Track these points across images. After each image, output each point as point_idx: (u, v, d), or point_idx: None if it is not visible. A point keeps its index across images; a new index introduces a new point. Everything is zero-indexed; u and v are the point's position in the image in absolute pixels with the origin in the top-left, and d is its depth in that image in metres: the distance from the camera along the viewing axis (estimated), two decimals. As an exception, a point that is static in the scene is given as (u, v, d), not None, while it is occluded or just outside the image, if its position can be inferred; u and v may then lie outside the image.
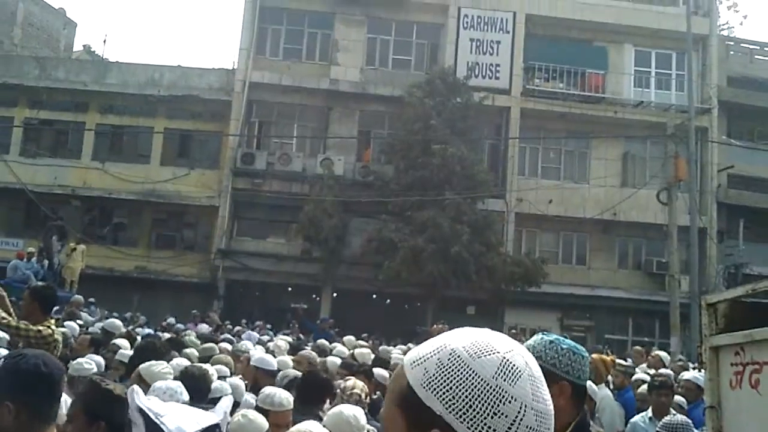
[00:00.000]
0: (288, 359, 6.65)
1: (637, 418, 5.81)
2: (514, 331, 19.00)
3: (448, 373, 0.94)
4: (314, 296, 23.17)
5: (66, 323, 8.85)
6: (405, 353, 7.83)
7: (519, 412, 0.93)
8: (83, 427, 2.65)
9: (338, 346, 9.15)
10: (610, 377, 7.60)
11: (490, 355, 0.95)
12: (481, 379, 0.92)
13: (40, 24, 37.85)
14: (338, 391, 4.74)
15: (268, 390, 4.03)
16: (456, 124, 21.46)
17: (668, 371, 8.28)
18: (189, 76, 25.06)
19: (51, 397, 2.40)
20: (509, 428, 0.92)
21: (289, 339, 10.66)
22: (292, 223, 22.94)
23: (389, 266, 20.10)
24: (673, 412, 5.56)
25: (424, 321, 19.96)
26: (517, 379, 0.94)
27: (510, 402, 0.92)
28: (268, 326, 18.17)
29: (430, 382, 0.94)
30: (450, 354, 0.95)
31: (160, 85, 24.56)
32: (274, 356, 6.73)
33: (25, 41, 35.98)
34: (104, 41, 76.84)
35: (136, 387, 1.16)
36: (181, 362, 5.39)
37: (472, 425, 0.91)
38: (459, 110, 21.85)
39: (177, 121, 24.80)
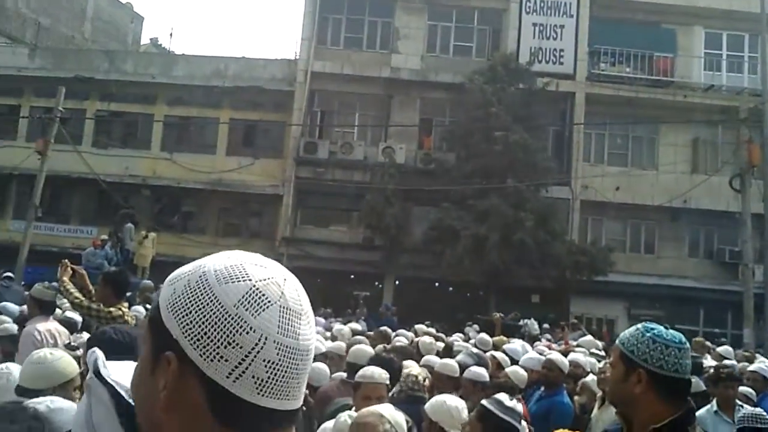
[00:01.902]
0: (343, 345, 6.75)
1: (702, 411, 5.64)
2: (575, 321, 18.77)
3: (192, 296, 0.89)
4: (376, 284, 23.31)
5: (134, 308, 9.13)
6: (464, 340, 7.82)
7: (257, 345, 0.86)
8: None
9: (400, 333, 9.17)
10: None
11: (238, 281, 0.89)
12: (221, 306, 0.87)
13: (109, 18, 39.05)
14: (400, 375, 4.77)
15: (366, 368, 4.13)
16: (518, 111, 21.17)
17: (732, 362, 8.04)
18: (253, 67, 25.45)
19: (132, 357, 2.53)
20: (243, 359, 0.86)
21: (358, 326, 10.78)
22: (354, 212, 23.13)
23: (451, 254, 20.04)
24: (740, 403, 5.38)
25: (486, 310, 19.82)
26: (263, 310, 0.88)
27: (248, 333, 0.86)
28: (329, 311, 18.43)
29: (173, 304, 0.90)
30: (200, 277, 0.90)
31: (225, 76, 25.02)
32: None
33: (95, 36, 37.23)
34: (170, 34, 78.81)
35: (98, 351, 1.09)
36: None
37: (204, 353, 0.86)
38: (521, 96, 21.55)
39: (241, 112, 25.26)
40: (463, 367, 5.71)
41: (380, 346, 6.90)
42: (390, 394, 4.78)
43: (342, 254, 22.93)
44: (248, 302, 0.88)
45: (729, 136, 22.37)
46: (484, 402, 3.06)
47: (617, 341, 2.30)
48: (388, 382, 4.06)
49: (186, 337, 0.87)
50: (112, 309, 5.34)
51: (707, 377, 6.10)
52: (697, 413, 5.60)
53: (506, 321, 12.87)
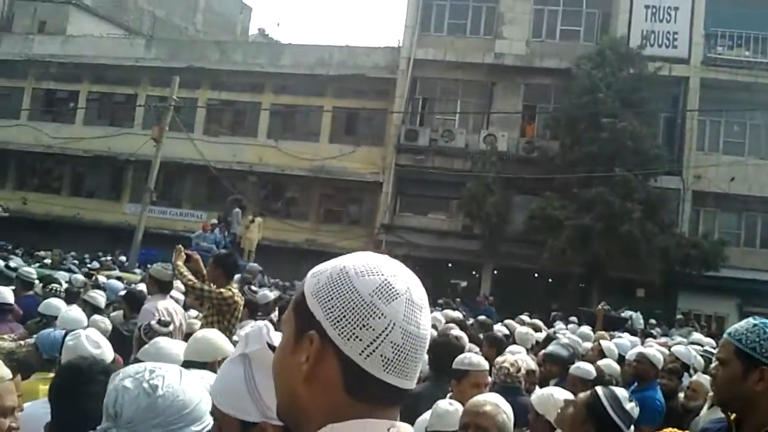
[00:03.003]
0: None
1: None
2: (681, 316, 17.98)
3: (334, 285, 1.04)
4: (474, 273, 23.18)
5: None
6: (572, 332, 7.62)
7: (386, 328, 1.01)
8: None
9: (498, 324, 9.06)
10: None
11: (373, 275, 1.04)
12: (359, 295, 1.02)
13: (219, 10, 40.48)
14: (492, 366, 4.73)
15: (465, 354, 4.14)
16: (627, 97, 20.41)
17: None
18: (356, 55, 25.75)
19: None
20: (375, 340, 1.01)
21: (457, 314, 10.75)
22: (454, 200, 23.04)
23: (553, 244, 19.63)
24: None
25: (588, 302, 19.32)
26: (392, 300, 1.02)
27: (379, 318, 1.01)
28: (440, 301, 18.46)
29: (318, 291, 1.05)
30: (340, 270, 1.05)
31: (329, 64, 25.44)
32: (436, 329, 6.85)
33: (206, 27, 38.70)
34: (277, 24, 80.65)
35: (268, 324, 1.37)
36: None
37: (342, 332, 1.01)
38: (631, 81, 20.76)
39: (344, 100, 25.63)
40: (557, 357, 5.62)
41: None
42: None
43: (440, 242, 22.92)
44: (381, 293, 1.03)
45: None
46: (599, 390, 2.87)
47: (729, 337, 2.20)
48: (487, 368, 4.07)
49: (328, 319, 1.03)
50: (222, 290, 5.59)
51: None
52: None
53: (610, 314, 12.50)
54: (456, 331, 6.15)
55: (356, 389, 1.03)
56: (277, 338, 1.18)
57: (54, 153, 27.78)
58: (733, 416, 2.23)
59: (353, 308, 1.02)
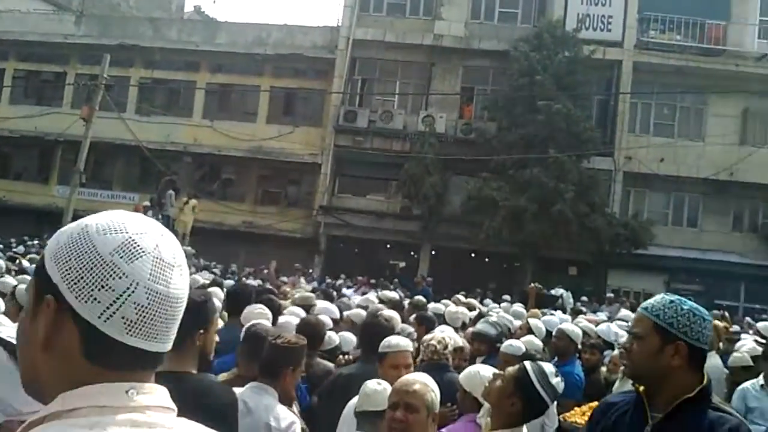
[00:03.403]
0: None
1: (746, 385, 5.56)
2: (611, 295, 18.52)
3: (73, 245, 0.97)
4: (413, 254, 23.33)
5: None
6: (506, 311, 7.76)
7: (128, 288, 0.95)
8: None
9: (432, 305, 9.12)
10: (720, 344, 7.31)
11: (116, 233, 0.98)
12: (98, 254, 0.96)
13: (154, -14, 39.20)
14: (420, 344, 4.77)
15: (389, 337, 4.12)
16: (563, 79, 20.75)
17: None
18: (294, 35, 25.42)
19: None
20: (115, 301, 0.95)
21: (395, 295, 10.80)
22: (393, 181, 23.09)
23: (490, 225, 19.91)
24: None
25: (523, 281, 19.71)
26: (136, 259, 0.96)
27: (120, 278, 0.95)
28: (372, 281, 18.54)
29: (57, 253, 0.98)
30: (81, 229, 0.99)
31: (267, 43, 25.04)
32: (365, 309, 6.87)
33: (140, 3, 37.50)
34: (213, 1, 78.79)
35: None
36: (299, 311, 5.76)
37: (80, 295, 0.95)
38: (567, 64, 21.09)
39: (282, 80, 25.29)
40: (484, 336, 5.69)
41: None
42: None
43: (379, 223, 22.97)
44: (123, 251, 0.97)
45: (781, 107, 21.69)
46: (527, 364, 2.91)
47: (646, 312, 2.25)
48: (412, 349, 4.06)
49: (64, 282, 0.96)
50: None
51: (764, 352, 6.00)
52: (743, 386, 5.57)
53: (542, 292, 12.75)
54: (387, 312, 6.17)
55: (96, 355, 0.96)
56: (8, 331, 1.07)
57: (-22, 133, 26.64)
58: (641, 388, 2.28)
59: (91, 268, 0.95)
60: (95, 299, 0.95)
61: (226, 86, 26.03)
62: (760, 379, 5.47)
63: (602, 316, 11.32)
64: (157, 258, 0.99)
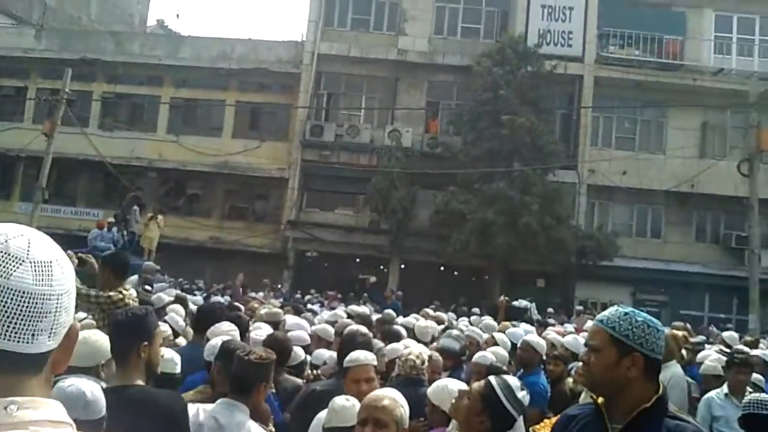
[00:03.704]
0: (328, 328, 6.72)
1: (711, 394, 5.68)
2: (580, 308, 18.75)
3: None
4: (382, 268, 23.33)
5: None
6: (472, 324, 7.81)
7: None
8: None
9: (401, 319, 9.10)
10: (684, 353, 7.44)
11: None
12: None
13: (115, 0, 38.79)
14: (397, 358, 4.79)
15: (353, 352, 4.14)
16: (526, 94, 21.03)
17: (745, 348, 8.02)
18: (259, 49, 25.33)
19: None
20: None
21: (365, 309, 10.77)
22: (360, 195, 23.12)
23: (457, 238, 20.02)
24: (749, 390, 5.40)
25: (492, 294, 19.84)
26: None
27: None
28: (339, 296, 18.49)
29: None
30: None
31: (231, 58, 24.92)
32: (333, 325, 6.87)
33: (101, 17, 37.03)
34: (177, 15, 78.53)
35: None
36: (266, 327, 5.74)
37: None
38: (529, 79, 21.38)
39: (248, 94, 25.18)
40: (449, 350, 5.72)
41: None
42: (390, 378, 4.81)
43: (348, 238, 22.93)
44: None
45: (738, 121, 22.31)
46: (492, 381, 2.93)
47: (602, 325, 2.27)
48: (375, 363, 4.08)
49: None
50: (111, 293, 5.31)
51: (727, 361, 6.11)
52: (708, 395, 5.67)
53: (510, 305, 12.87)
54: (363, 329, 6.17)
55: None
56: None
57: (-65, 149, 25.94)
58: (600, 400, 2.31)
59: None
60: None
61: (191, 101, 25.81)
62: (725, 388, 5.59)
63: (570, 327, 11.45)
64: (3, 252, 0.98)
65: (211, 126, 25.47)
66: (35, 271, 0.98)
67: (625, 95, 23.41)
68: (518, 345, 6.30)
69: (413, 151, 22.66)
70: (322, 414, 3.34)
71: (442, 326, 8.72)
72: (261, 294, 15.30)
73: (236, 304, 9.50)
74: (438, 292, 19.45)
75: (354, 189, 23.39)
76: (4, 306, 0.95)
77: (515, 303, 13.79)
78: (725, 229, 23.44)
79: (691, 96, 22.73)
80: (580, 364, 6.27)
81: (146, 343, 2.95)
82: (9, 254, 0.97)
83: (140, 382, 2.92)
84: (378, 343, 5.71)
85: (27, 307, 0.96)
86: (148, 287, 9.76)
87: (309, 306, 13.36)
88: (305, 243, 23.36)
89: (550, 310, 17.03)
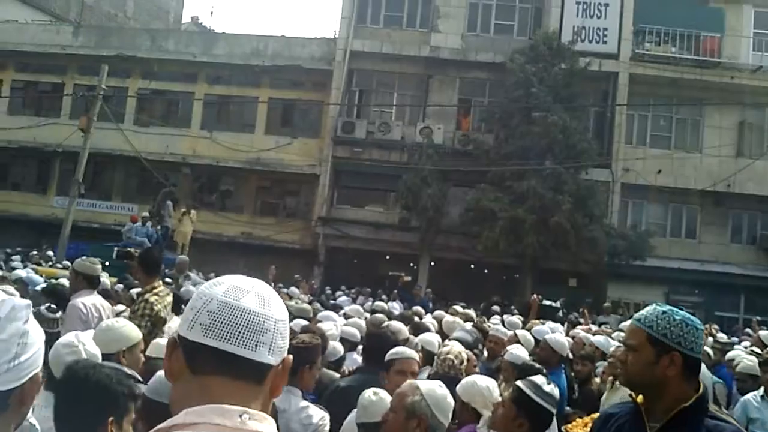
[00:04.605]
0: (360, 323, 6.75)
1: (748, 396, 5.59)
2: (607, 304, 18.53)
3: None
4: (411, 265, 23.31)
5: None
6: (502, 323, 7.79)
7: (205, 303, 1.20)
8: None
9: (429, 316, 9.09)
10: (711, 353, 7.37)
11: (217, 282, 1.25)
12: (197, 291, 1.24)
13: (151, -3, 39.34)
14: (435, 356, 4.79)
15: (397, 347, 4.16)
16: (559, 91, 20.84)
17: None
18: (292, 46, 25.48)
19: None
20: (197, 313, 1.19)
21: (393, 306, 10.78)
22: (391, 192, 23.12)
23: (488, 236, 19.93)
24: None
25: (523, 292, 19.74)
26: (216, 286, 1.23)
27: (201, 298, 1.21)
28: (368, 290, 18.54)
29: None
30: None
31: (265, 55, 25.10)
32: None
33: (137, 14, 37.62)
34: (211, 13, 79.32)
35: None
36: (299, 322, 5.81)
37: (182, 320, 1.23)
38: (563, 76, 21.18)
39: (280, 91, 25.34)
40: (461, 342, 5.69)
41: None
42: (426, 375, 4.81)
43: (378, 234, 22.97)
44: (211, 285, 1.24)
45: (777, 119, 21.83)
46: (519, 384, 3.00)
47: (639, 324, 2.27)
48: (417, 357, 4.11)
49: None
50: (151, 298, 5.38)
51: (761, 362, 6.02)
52: (745, 397, 5.59)
53: (543, 304, 12.76)
54: (395, 324, 6.21)
55: (191, 360, 1.18)
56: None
57: (-24, 144, 26.60)
58: (639, 399, 2.30)
59: (191, 301, 1.23)
60: (186, 317, 1.21)
61: (225, 97, 26.08)
62: (761, 390, 5.51)
63: (606, 327, 11.32)
64: (233, 285, 1.23)
65: (244, 122, 25.70)
66: (258, 298, 1.22)
67: (660, 93, 23.07)
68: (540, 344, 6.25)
69: (444, 148, 22.60)
70: (353, 414, 3.37)
71: (469, 324, 8.70)
72: (293, 289, 15.36)
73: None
74: (468, 290, 19.37)
75: (385, 186, 23.40)
76: (235, 320, 1.18)
77: (547, 302, 13.68)
78: (762, 230, 23.03)
79: (729, 94, 22.34)
80: (606, 363, 6.25)
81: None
82: (239, 287, 1.22)
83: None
84: (414, 339, 5.74)
85: (251, 322, 1.19)
86: (168, 279, 9.88)
87: (335, 301, 13.41)
88: (335, 239, 23.46)
89: (582, 310, 16.84)
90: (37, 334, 1.46)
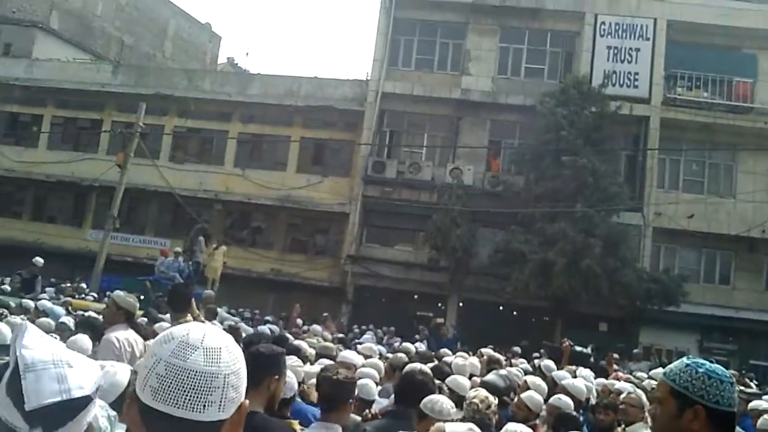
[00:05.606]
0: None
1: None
2: (637, 351, 18.14)
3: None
4: (440, 305, 23.21)
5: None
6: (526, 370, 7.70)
7: (154, 363, 1.22)
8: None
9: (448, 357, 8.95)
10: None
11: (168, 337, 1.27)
12: (149, 349, 1.29)
13: (188, 38, 40.47)
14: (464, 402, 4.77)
15: (432, 396, 4.13)
16: (590, 135, 20.84)
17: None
18: (325, 87, 25.90)
19: None
20: (147, 374, 1.22)
21: (420, 346, 10.73)
22: (420, 232, 23.14)
23: (518, 278, 19.81)
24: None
25: (552, 336, 19.47)
26: (165, 344, 1.24)
27: (151, 357, 1.24)
28: (392, 329, 18.47)
29: None
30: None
31: (298, 95, 25.55)
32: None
33: (175, 54, 38.63)
34: (246, 54, 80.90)
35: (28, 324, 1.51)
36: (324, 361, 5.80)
37: (138, 382, 1.25)
38: (593, 120, 21.21)
39: (312, 131, 25.69)
40: (491, 387, 5.62)
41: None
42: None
43: (406, 274, 22.95)
44: (159, 341, 1.27)
45: (812, 166, 21.51)
46: None
47: (664, 377, 2.29)
48: (457, 418, 4.09)
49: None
50: None
51: None
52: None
53: (574, 349, 12.58)
54: (424, 367, 6.18)
55: (145, 420, 1.22)
56: None
57: (16, 177, 27.23)
58: None
59: (144, 357, 1.30)
60: (140, 375, 1.25)
61: (258, 136, 26.50)
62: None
63: (641, 374, 11.13)
64: (184, 342, 1.24)
65: (276, 161, 26.06)
66: (206, 354, 1.23)
67: (692, 137, 22.97)
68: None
69: (474, 189, 22.65)
70: None
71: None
72: (315, 327, 15.35)
73: (286, 334, 9.56)
74: (496, 332, 19.16)
75: (414, 225, 23.46)
76: (182, 384, 1.20)
77: (578, 348, 13.50)
78: (797, 278, 22.53)
79: (762, 139, 22.20)
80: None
81: (276, 376, 3.26)
82: (188, 343, 1.23)
83: (260, 410, 3.15)
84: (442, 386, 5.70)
85: (198, 384, 1.21)
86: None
87: (358, 340, 13.40)
88: (364, 278, 23.49)
89: (615, 356, 16.54)
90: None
